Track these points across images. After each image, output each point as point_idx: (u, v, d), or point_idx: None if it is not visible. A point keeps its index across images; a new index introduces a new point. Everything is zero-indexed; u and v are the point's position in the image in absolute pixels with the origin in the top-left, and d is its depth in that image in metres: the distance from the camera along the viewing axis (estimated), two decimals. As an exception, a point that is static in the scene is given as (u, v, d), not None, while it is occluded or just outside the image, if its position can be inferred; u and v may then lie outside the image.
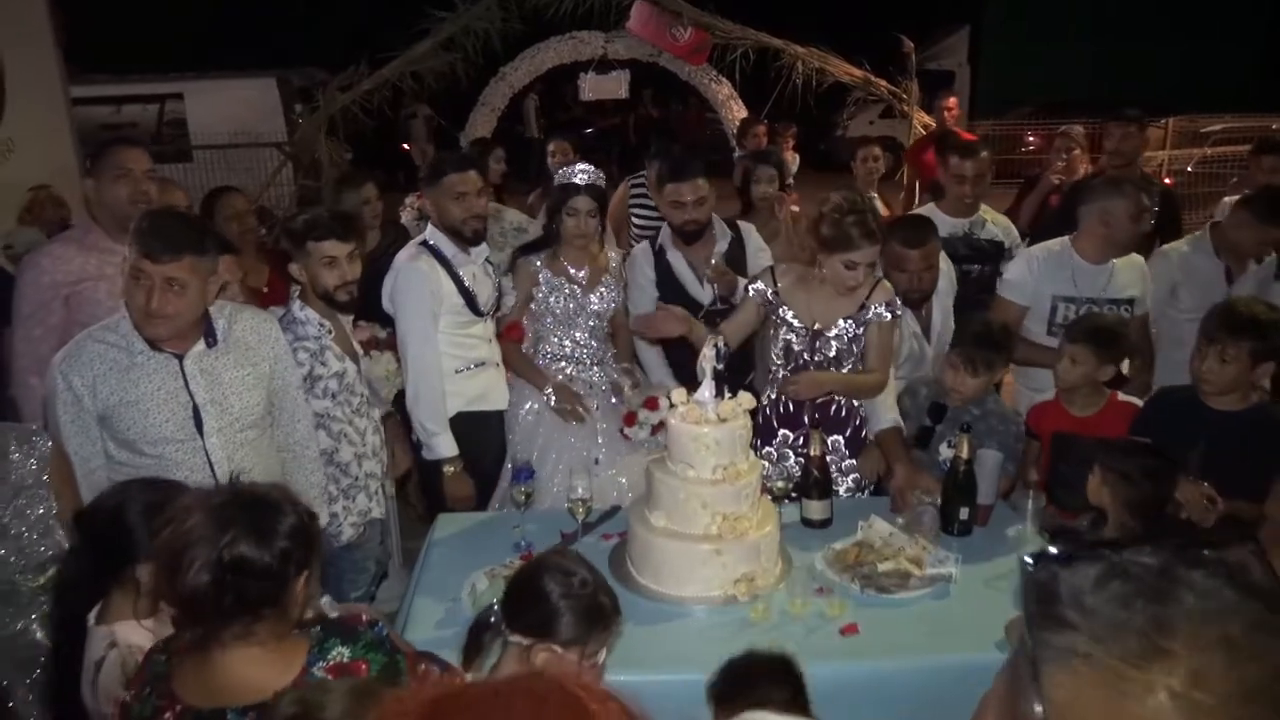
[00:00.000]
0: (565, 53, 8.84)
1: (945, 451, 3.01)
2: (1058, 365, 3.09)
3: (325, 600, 2.11)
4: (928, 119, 8.05)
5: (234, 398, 2.49)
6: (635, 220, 5.12)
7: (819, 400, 3.11)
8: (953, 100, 7.39)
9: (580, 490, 2.73)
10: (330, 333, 2.95)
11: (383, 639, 1.63)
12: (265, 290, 3.98)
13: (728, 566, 2.40)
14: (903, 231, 3.43)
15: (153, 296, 2.29)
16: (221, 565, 1.44)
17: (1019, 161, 10.57)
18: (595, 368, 3.58)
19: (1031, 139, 12.34)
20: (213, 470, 2.43)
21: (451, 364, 3.31)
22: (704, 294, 3.71)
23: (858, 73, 8.47)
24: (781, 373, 3.13)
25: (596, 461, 3.34)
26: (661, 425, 3.22)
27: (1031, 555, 0.79)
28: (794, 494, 2.86)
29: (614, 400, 3.54)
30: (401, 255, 3.35)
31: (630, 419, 3.37)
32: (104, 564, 1.86)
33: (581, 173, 3.45)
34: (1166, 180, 8.93)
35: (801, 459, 2.99)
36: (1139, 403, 3.12)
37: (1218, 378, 2.79)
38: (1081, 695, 0.73)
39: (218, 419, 2.45)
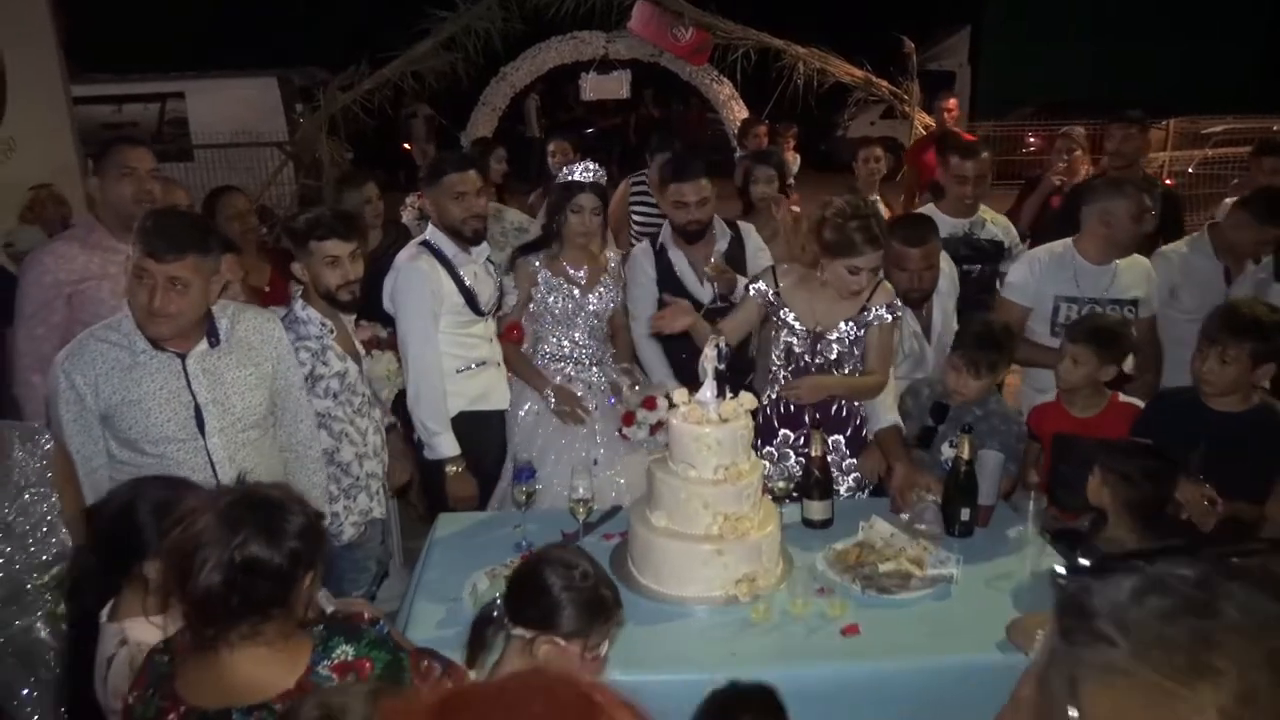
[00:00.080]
0: (566, 53, 8.85)
1: (947, 451, 3.01)
2: (1059, 366, 3.10)
3: (321, 594, 2.11)
4: (929, 120, 8.05)
5: (236, 398, 2.49)
6: (635, 219, 5.13)
7: (819, 400, 3.11)
8: (953, 101, 7.40)
9: (581, 490, 2.73)
10: (332, 332, 2.95)
11: (385, 637, 1.64)
12: (267, 290, 3.99)
13: (729, 567, 2.40)
14: (903, 230, 3.43)
15: (155, 295, 2.29)
16: (233, 566, 1.45)
17: (1020, 162, 10.57)
18: (594, 368, 3.58)
19: (1032, 140, 12.34)
20: (214, 470, 2.43)
21: (453, 364, 3.31)
22: (704, 293, 3.72)
23: (859, 73, 8.48)
24: (782, 374, 3.13)
25: (595, 462, 3.34)
26: (660, 425, 3.23)
27: (1063, 567, 0.78)
28: (795, 494, 2.87)
29: (612, 400, 3.54)
30: (402, 255, 3.35)
31: (629, 419, 3.37)
32: (114, 560, 1.87)
33: (584, 170, 3.46)
34: (1167, 181, 8.93)
35: (802, 459, 3.00)
36: (1140, 404, 3.12)
37: (1218, 379, 2.79)
38: (1125, 713, 0.71)
39: (219, 419, 2.46)
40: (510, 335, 3.53)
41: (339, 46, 10.98)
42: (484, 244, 3.44)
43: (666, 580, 2.44)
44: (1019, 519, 2.84)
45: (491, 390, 3.44)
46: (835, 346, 3.05)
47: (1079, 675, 0.73)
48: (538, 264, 3.50)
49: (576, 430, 3.46)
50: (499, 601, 1.89)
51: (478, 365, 3.38)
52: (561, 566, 1.80)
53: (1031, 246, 4.11)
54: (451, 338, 3.30)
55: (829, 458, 2.97)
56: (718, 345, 2.55)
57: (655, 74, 10.12)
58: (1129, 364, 3.37)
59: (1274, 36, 18.64)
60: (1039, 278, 3.62)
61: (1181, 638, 0.70)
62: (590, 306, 3.53)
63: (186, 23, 16.67)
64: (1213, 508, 2.58)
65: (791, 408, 3.13)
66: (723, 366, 2.54)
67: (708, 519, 2.40)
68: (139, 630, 1.81)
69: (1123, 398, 3.14)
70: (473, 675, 1.84)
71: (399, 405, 3.45)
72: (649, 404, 3.34)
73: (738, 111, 8.75)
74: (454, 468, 3.27)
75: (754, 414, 2.58)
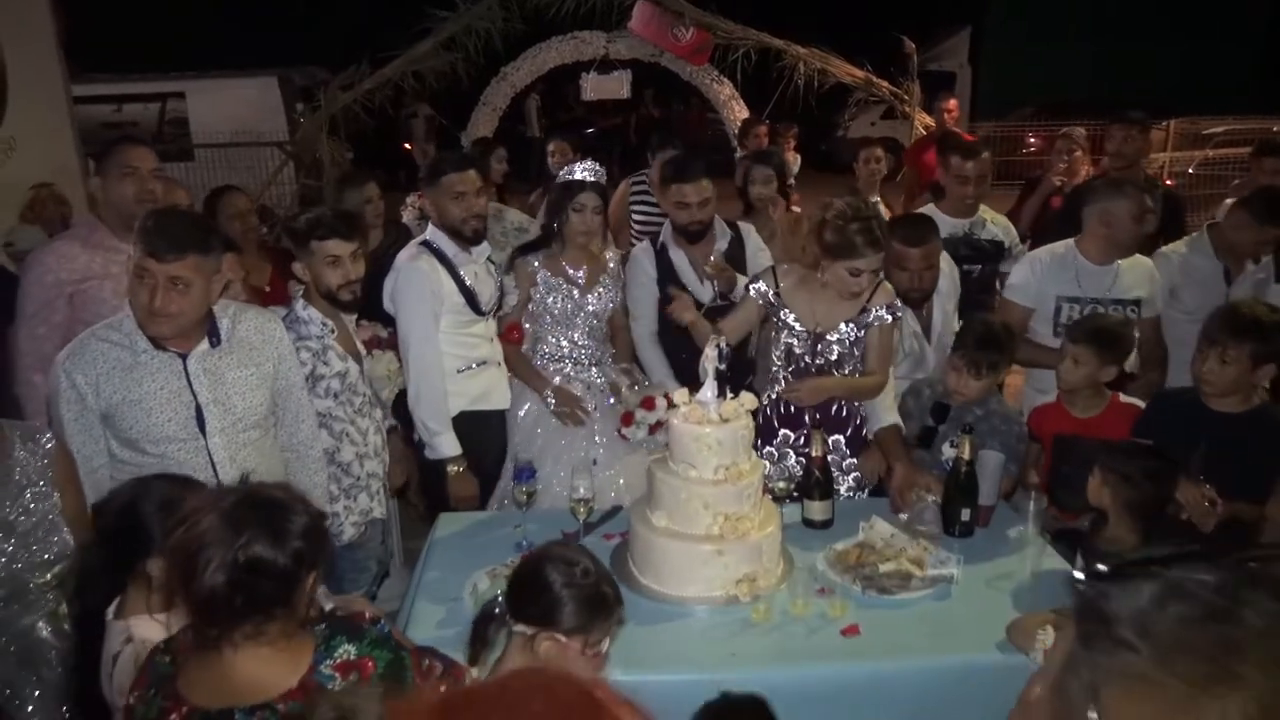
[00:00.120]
0: (567, 53, 8.85)
1: (948, 451, 3.01)
2: (1060, 366, 3.10)
3: (319, 590, 2.12)
4: (929, 120, 8.06)
5: (237, 398, 2.49)
6: (635, 219, 5.13)
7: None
8: (953, 102, 7.40)
9: (582, 490, 2.73)
10: (333, 332, 2.95)
11: (386, 636, 1.64)
12: (267, 289, 3.99)
13: (729, 567, 2.40)
14: (903, 230, 3.43)
15: (156, 295, 2.29)
16: (237, 566, 1.45)
17: (1020, 163, 10.57)
18: (593, 368, 3.58)
19: (1032, 140, 12.34)
20: (215, 470, 2.43)
21: (453, 363, 3.31)
22: (704, 292, 3.72)
23: (859, 74, 8.49)
24: (782, 375, 3.13)
25: (595, 462, 3.34)
26: (659, 425, 3.23)
27: (1082, 572, 0.77)
28: (795, 494, 2.87)
29: (611, 400, 3.54)
30: (402, 255, 3.35)
31: (627, 419, 3.37)
32: (119, 558, 1.87)
33: (585, 169, 3.46)
34: (1168, 182, 8.93)
35: (802, 459, 3.00)
36: (1141, 404, 3.12)
37: (1218, 379, 2.80)
38: None
39: (220, 419, 2.45)
40: (509, 336, 3.53)
41: (339, 46, 10.98)
42: (484, 244, 3.44)
43: (667, 580, 2.44)
44: (1019, 519, 2.84)
45: (492, 390, 3.44)
46: (836, 347, 3.05)
47: (1100, 681, 0.73)
48: (536, 264, 3.50)
49: (575, 430, 3.46)
50: (500, 598, 1.90)
51: (478, 365, 3.38)
52: (563, 563, 1.81)
53: (1032, 248, 4.11)
54: (452, 337, 3.30)
55: (829, 457, 2.97)
56: (719, 345, 2.55)
57: (656, 74, 10.13)
58: (1133, 363, 3.37)
59: (1274, 36, 18.64)
60: (1040, 278, 3.62)
61: (1205, 645, 0.70)
62: (589, 307, 3.53)
63: (187, 22, 16.66)
64: (1213, 508, 2.58)
65: (791, 408, 3.14)
66: (723, 366, 2.55)
67: (708, 519, 2.40)
68: (144, 628, 1.81)
69: (1123, 398, 3.15)
70: (475, 673, 1.84)
71: (398, 405, 3.45)
72: (647, 404, 3.34)
73: (738, 112, 8.76)
74: (455, 467, 3.27)
75: (754, 414, 2.58)
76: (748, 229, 3.96)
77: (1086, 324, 3.16)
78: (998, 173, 4.52)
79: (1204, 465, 2.66)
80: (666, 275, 3.73)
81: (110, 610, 1.89)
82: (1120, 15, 18.04)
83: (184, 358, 2.42)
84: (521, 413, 3.53)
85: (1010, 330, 3.23)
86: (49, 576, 2.12)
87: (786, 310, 3.07)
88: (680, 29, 8.35)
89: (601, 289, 3.55)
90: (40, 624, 2.13)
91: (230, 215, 4.11)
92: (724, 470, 2.41)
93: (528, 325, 3.59)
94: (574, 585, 1.78)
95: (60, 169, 5.62)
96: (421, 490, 3.77)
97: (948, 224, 3.96)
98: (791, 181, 5.50)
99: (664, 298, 3.61)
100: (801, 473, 2.94)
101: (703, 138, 14.14)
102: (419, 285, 3.22)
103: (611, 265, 3.64)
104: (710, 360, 2.51)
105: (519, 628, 1.80)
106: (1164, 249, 4.12)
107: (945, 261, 3.61)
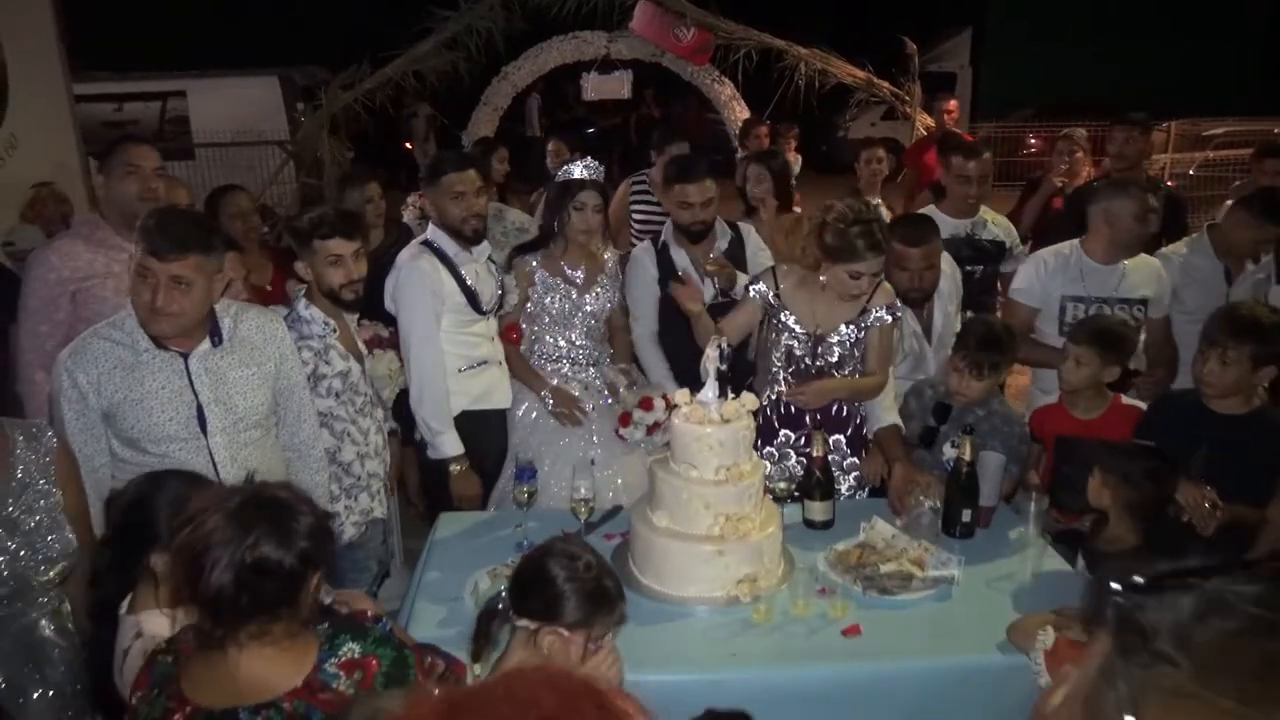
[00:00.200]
0: (568, 52, 8.86)
1: (950, 451, 3.01)
2: (1062, 366, 3.10)
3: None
4: (930, 121, 8.06)
5: (239, 397, 2.49)
6: (635, 219, 5.13)
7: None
8: (953, 103, 7.40)
9: (583, 490, 2.74)
10: (335, 331, 2.95)
11: (389, 634, 1.64)
12: (269, 288, 3.99)
13: (730, 567, 2.40)
14: (904, 230, 3.44)
15: (158, 294, 2.29)
16: (244, 566, 1.45)
17: (1021, 164, 10.57)
18: (591, 368, 3.59)
19: (1033, 141, 12.35)
20: (216, 470, 2.43)
21: (455, 363, 3.31)
22: (705, 291, 3.72)
23: (860, 74, 8.49)
24: (783, 375, 3.14)
25: (593, 462, 3.34)
26: (657, 425, 3.23)
27: (1118, 582, 0.75)
28: (796, 495, 2.87)
29: (609, 401, 3.54)
30: (403, 254, 3.35)
31: (625, 419, 3.37)
32: (130, 553, 1.88)
33: (583, 167, 3.46)
34: (1169, 183, 8.93)
35: (803, 459, 3.01)
36: (1142, 405, 3.12)
37: (1219, 380, 2.80)
38: None
39: (222, 418, 2.46)
40: (508, 337, 3.53)
41: (340, 45, 10.97)
42: (485, 243, 3.44)
43: (668, 580, 2.45)
44: (1020, 520, 2.85)
45: (493, 389, 3.44)
46: (836, 349, 3.06)
47: (1139, 695, 0.71)
48: (535, 264, 3.50)
49: (574, 430, 3.46)
50: (504, 594, 1.91)
51: (480, 364, 3.39)
52: (565, 558, 1.82)
53: (1033, 249, 4.11)
54: (453, 337, 3.31)
55: (829, 457, 2.97)
56: (719, 346, 2.56)
57: (656, 74, 10.13)
58: (1139, 359, 3.37)
59: (1274, 37, 18.63)
60: (1045, 278, 3.63)
61: (1247, 660, 0.68)
62: (587, 307, 3.53)
63: (188, 21, 16.67)
64: (1214, 510, 2.58)
65: (792, 408, 3.14)
66: (724, 367, 2.55)
67: (709, 519, 2.40)
68: (154, 623, 1.81)
69: (1125, 399, 3.15)
70: (476, 670, 1.85)
71: (397, 405, 3.45)
72: (645, 404, 3.35)
73: (739, 112, 8.76)
74: (457, 467, 3.27)
75: (755, 415, 2.58)
76: (748, 229, 3.96)
77: (1088, 324, 3.17)
78: (998, 173, 4.53)
79: (1205, 467, 2.66)
80: (668, 275, 3.72)
81: (124, 605, 1.89)
82: (1120, 16, 18.03)
83: (185, 357, 2.42)
84: (520, 413, 3.53)
85: (1011, 331, 3.23)
86: (51, 575, 2.12)
87: (787, 312, 3.07)
88: (681, 29, 8.35)
89: (599, 289, 3.55)
90: (43, 622, 2.13)
91: (232, 214, 4.11)
92: (725, 470, 2.42)
93: (525, 325, 3.59)
94: (576, 579, 1.79)
95: (61, 168, 5.62)
96: (422, 490, 3.77)
97: (949, 224, 3.97)
98: (793, 182, 5.49)
99: (665, 298, 3.61)
100: (802, 473, 2.94)
101: (703, 138, 14.13)
102: (420, 285, 3.22)
103: (609, 265, 3.64)
104: (711, 361, 2.51)
105: (522, 623, 1.81)
106: (1164, 250, 4.12)
107: (947, 263, 3.62)
